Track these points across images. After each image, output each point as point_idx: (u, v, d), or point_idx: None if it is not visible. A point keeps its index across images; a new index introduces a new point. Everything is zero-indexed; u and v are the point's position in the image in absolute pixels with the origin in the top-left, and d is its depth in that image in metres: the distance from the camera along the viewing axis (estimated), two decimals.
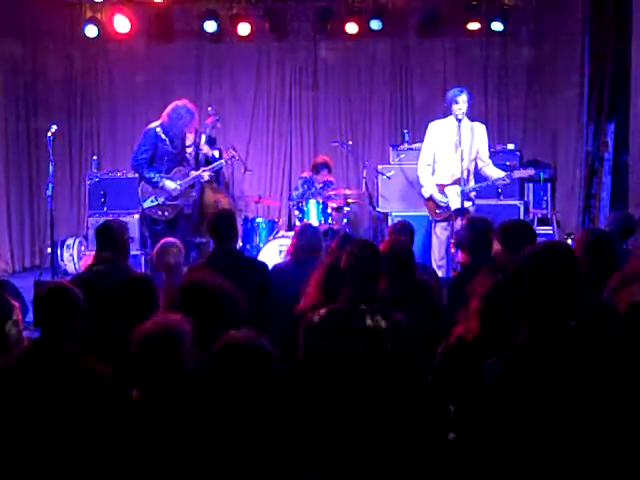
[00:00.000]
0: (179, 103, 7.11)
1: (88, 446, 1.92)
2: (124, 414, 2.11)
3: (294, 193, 8.74)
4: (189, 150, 7.57)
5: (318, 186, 8.52)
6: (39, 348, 2.95)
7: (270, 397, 1.77)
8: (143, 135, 7.19)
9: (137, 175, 7.38)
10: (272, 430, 1.75)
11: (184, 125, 7.08)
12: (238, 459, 1.74)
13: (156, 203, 7.12)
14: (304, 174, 8.87)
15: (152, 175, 7.03)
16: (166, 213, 7.14)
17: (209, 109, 8.03)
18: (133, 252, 6.32)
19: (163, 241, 5.16)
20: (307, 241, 5.19)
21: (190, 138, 7.60)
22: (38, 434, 2.00)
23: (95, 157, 9.63)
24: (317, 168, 8.52)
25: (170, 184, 7.06)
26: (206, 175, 7.32)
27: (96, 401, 1.93)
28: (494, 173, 6.95)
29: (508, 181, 6.98)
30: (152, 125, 7.14)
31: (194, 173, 7.25)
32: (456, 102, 6.78)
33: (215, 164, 7.51)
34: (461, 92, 6.82)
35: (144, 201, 7.17)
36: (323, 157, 8.75)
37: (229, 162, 7.66)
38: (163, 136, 7.02)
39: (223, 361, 1.82)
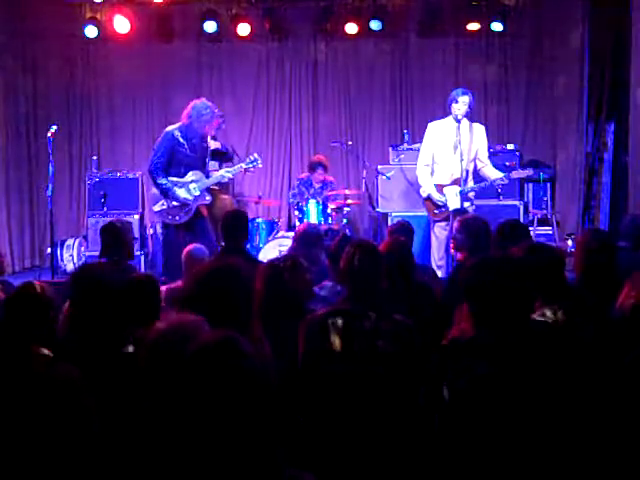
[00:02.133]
0: (197, 101, 6.82)
1: (50, 452, 1.86)
2: (94, 418, 2.05)
3: (290, 193, 8.79)
4: None
5: (317, 186, 8.55)
6: (4, 350, 2.83)
7: (244, 397, 1.76)
8: (161, 138, 6.84)
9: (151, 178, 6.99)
10: (250, 431, 1.75)
11: (205, 123, 6.77)
12: (218, 459, 1.74)
13: (165, 207, 6.81)
14: (302, 175, 8.90)
15: (164, 182, 6.70)
16: (177, 217, 6.81)
17: (216, 111, 7.99)
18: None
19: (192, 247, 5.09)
20: (307, 242, 5.19)
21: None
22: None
23: (95, 157, 9.64)
24: (313, 167, 8.59)
25: (181, 192, 6.74)
26: (228, 176, 7.13)
27: (62, 404, 1.88)
28: (493, 174, 6.95)
29: (506, 181, 6.99)
30: (170, 128, 6.80)
31: (216, 174, 7.06)
32: (456, 101, 6.80)
33: (235, 167, 7.24)
34: (464, 93, 6.82)
35: (154, 204, 6.90)
36: (319, 156, 8.84)
37: (251, 169, 7.30)
38: (181, 140, 6.68)
39: (194, 365, 1.81)
